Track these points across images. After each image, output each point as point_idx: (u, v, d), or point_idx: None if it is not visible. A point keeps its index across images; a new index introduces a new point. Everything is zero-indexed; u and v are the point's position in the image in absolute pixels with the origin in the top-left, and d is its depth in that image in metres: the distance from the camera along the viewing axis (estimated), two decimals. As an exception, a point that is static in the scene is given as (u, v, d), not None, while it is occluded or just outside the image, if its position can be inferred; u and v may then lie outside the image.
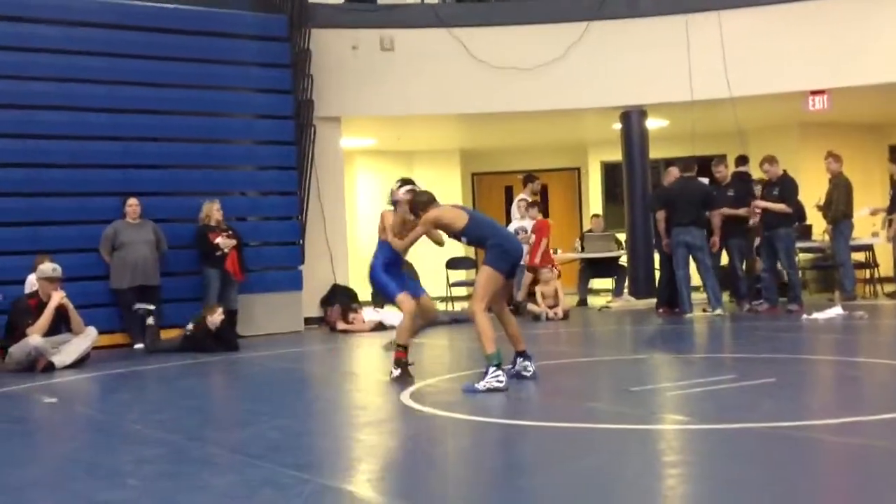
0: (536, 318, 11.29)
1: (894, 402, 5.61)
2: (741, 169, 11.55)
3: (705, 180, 11.39)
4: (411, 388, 6.34)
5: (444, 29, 12.27)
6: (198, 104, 10.98)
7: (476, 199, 16.40)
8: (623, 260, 13.33)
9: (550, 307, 11.35)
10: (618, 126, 13.05)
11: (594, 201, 16.17)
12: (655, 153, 13.05)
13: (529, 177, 13.06)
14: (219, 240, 10.08)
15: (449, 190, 16.17)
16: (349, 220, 13.12)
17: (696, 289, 11.35)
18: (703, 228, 10.77)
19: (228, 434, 5.40)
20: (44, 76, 10.02)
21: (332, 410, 6.20)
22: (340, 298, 11.51)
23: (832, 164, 11.07)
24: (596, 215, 14.57)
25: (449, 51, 12.25)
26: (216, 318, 9.24)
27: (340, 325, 10.98)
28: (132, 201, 9.92)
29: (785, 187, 11.01)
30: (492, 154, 16.44)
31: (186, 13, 10.93)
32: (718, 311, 10.58)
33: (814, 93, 12.06)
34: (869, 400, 5.86)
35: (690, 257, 10.78)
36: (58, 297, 8.42)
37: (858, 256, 12.95)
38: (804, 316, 10.01)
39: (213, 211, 10.18)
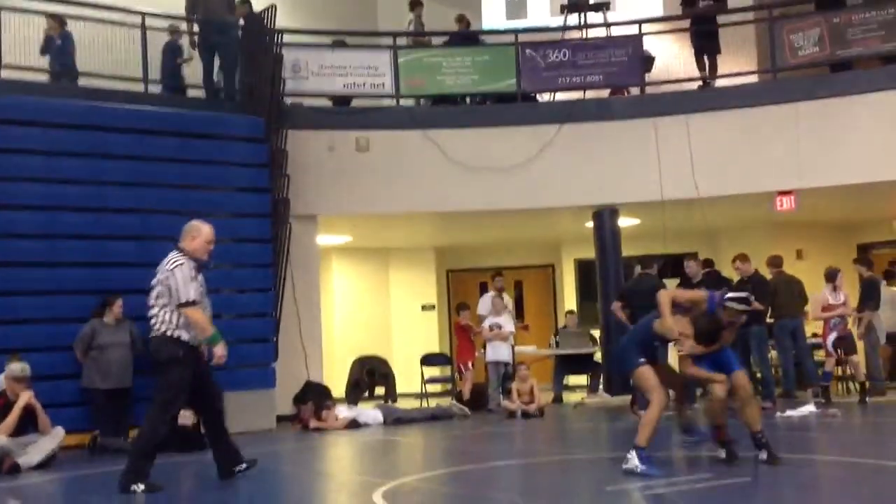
0: (511, 414, 11.23)
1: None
2: (710, 270, 11.77)
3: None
4: (384, 488, 6.26)
5: (419, 130, 12.51)
6: (175, 203, 10.99)
7: (451, 296, 16.48)
8: (598, 356, 13.36)
9: (526, 404, 11.31)
10: (590, 224, 13.25)
11: (568, 298, 16.28)
12: (628, 251, 13.21)
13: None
14: None
15: (424, 286, 16.29)
16: (324, 316, 13.11)
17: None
18: None
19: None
20: (20, 177, 10.06)
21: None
22: (314, 396, 11.40)
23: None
24: (570, 312, 14.66)
25: (424, 151, 12.46)
26: (188, 420, 9.14)
27: (313, 423, 10.86)
28: (119, 302, 9.86)
29: (756, 285, 11.19)
30: (466, 251, 16.59)
31: (167, 116, 11.06)
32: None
33: (781, 193, 12.32)
34: (840, 500, 5.85)
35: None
36: (26, 397, 8.30)
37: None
38: (777, 413, 10.03)
39: None
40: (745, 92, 12.65)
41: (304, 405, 11.31)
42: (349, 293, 15.93)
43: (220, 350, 6.78)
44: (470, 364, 12.50)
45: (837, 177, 11.81)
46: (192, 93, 12.30)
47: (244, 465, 7.02)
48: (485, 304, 12.76)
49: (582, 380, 14.06)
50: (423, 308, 16.03)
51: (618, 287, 12.41)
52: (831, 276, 11.44)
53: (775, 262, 11.76)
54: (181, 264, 6.74)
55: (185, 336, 6.72)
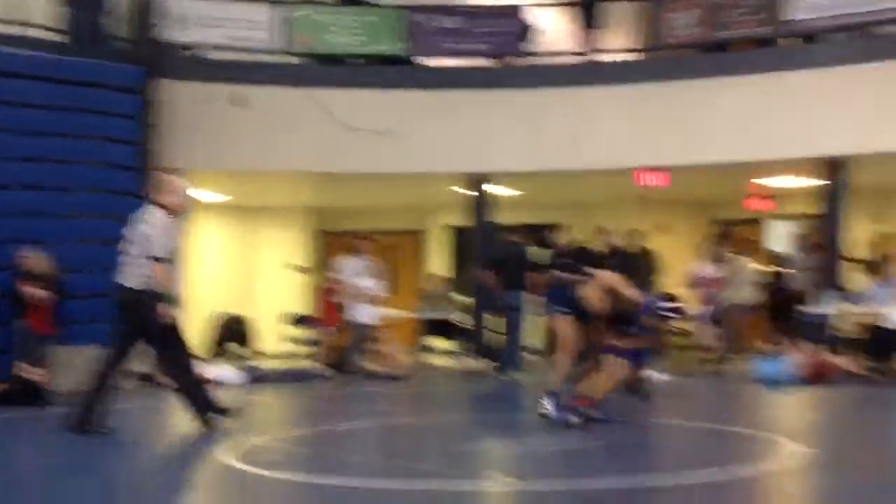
0: (373, 376, 11.28)
1: (701, 465, 5.89)
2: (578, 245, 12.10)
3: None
4: (237, 449, 6.21)
5: (298, 88, 12.31)
6: (42, 151, 10.58)
7: (321, 257, 16.35)
8: (463, 321, 13.52)
9: (388, 366, 11.37)
10: (465, 191, 13.35)
11: (439, 263, 16.39)
12: (500, 219, 13.36)
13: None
14: (28, 290, 9.67)
15: (294, 247, 16.12)
16: (188, 273, 12.81)
17: (534, 351, 11.68)
18: (524, 291, 11.10)
19: (33, 498, 5.11)
20: None
21: (150, 471, 5.99)
22: (174, 353, 11.15)
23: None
24: (438, 277, 14.76)
25: (304, 110, 12.26)
26: (35, 374, 8.87)
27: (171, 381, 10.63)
28: None
29: (619, 257, 11.55)
30: (340, 213, 16.48)
31: (36, 60, 10.59)
32: (520, 375, 10.87)
33: (648, 170, 12.68)
34: (682, 462, 6.13)
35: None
36: None
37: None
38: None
39: (29, 260, 9.78)
40: (623, 68, 12.93)
41: (162, 362, 11.05)
42: (217, 251, 15.61)
43: (167, 310, 6.87)
44: (331, 326, 12.50)
45: (702, 156, 12.21)
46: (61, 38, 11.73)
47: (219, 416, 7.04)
48: (348, 266, 12.75)
49: (446, 344, 14.22)
50: (292, 268, 15.87)
51: (488, 255, 12.59)
52: (708, 252, 11.90)
53: (635, 235, 12.16)
54: (157, 217, 6.81)
55: (154, 286, 6.83)
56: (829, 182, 12.00)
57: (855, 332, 10.45)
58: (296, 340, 13.78)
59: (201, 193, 13.94)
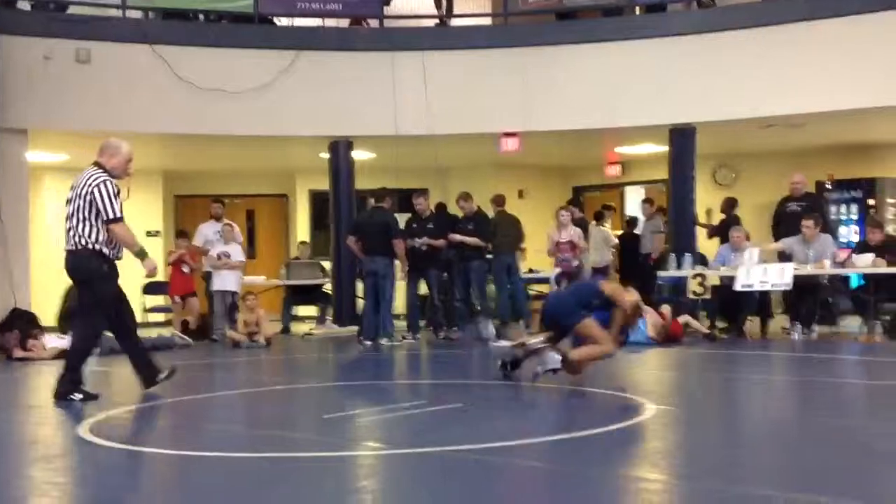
0: (237, 345, 11.06)
1: (562, 425, 6.05)
2: (440, 207, 12.16)
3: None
4: (91, 420, 5.96)
5: (147, 45, 11.79)
6: None
7: (178, 222, 15.86)
8: (327, 287, 13.42)
9: (252, 334, 11.17)
10: (326, 155, 13.17)
11: (301, 228, 16.18)
12: (362, 184, 13.29)
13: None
14: None
15: (149, 212, 15.54)
16: (34, 239, 12.19)
17: (397, 317, 11.70)
18: (388, 257, 11.09)
19: None
20: None
21: (-1, 446, 5.67)
22: (20, 324, 10.63)
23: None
24: (303, 242, 14.60)
25: (152, 68, 11.77)
26: None
27: (18, 353, 10.15)
28: None
29: (479, 222, 11.69)
30: (197, 177, 15.99)
31: None
32: (384, 341, 10.88)
33: (506, 135, 12.84)
34: (543, 422, 6.28)
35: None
36: None
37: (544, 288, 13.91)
38: (491, 343, 10.57)
39: None
40: (478, 33, 13.00)
41: (8, 333, 10.54)
42: (64, 217, 14.85)
43: (150, 263, 6.96)
44: (184, 293, 12.19)
45: (557, 122, 12.47)
46: None
47: (164, 374, 7.13)
48: (202, 233, 12.43)
49: (311, 310, 14.08)
50: (148, 234, 15.29)
51: (351, 219, 12.49)
52: (566, 217, 12.22)
53: (498, 200, 12.34)
54: (105, 180, 6.72)
55: (105, 251, 6.76)
56: (678, 149, 12.46)
57: (705, 293, 10.91)
58: (155, 309, 13.34)
59: (44, 154, 13.24)
